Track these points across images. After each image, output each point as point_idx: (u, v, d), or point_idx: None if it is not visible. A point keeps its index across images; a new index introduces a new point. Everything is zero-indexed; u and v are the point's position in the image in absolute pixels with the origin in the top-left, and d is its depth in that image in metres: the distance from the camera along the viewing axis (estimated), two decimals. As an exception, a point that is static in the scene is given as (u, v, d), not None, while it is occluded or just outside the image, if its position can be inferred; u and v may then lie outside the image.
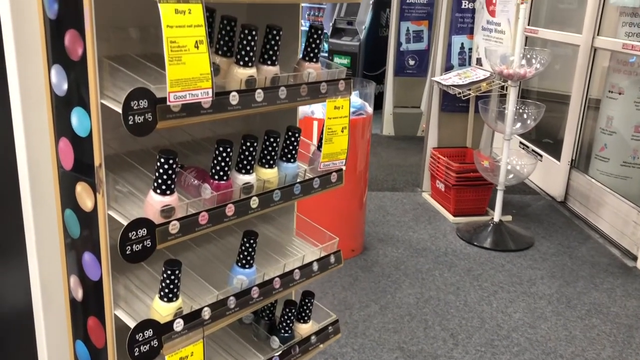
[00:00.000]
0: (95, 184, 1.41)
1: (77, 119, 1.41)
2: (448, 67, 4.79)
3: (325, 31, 7.39)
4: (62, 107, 1.45)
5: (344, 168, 1.77)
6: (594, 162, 4.73)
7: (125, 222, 1.34)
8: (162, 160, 1.35)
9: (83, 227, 1.50)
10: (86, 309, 1.58)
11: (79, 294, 1.60)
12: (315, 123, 3.46)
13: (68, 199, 1.52)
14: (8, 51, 1.48)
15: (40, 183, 1.57)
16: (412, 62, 6.62)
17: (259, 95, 1.47)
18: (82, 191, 1.46)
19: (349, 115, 1.68)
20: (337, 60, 7.14)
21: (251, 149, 1.51)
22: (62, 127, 1.47)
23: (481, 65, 4.60)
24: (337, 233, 3.65)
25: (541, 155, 5.30)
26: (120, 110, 1.26)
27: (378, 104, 6.75)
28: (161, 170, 1.35)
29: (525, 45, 4.23)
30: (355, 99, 3.83)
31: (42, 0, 1.42)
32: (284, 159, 1.64)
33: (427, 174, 5.00)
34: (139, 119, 1.25)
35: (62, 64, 1.41)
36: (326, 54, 7.25)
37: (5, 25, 1.45)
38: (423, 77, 6.68)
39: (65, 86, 1.43)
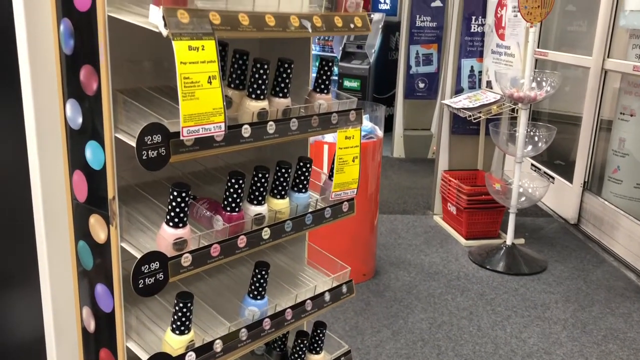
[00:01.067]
0: (108, 216, 1.42)
1: (91, 152, 1.43)
2: (458, 90, 4.81)
3: (335, 55, 7.46)
4: (76, 140, 1.47)
5: (355, 197, 1.78)
6: (607, 184, 4.70)
7: (138, 255, 1.34)
8: (175, 193, 1.35)
9: (96, 258, 1.51)
10: (98, 340, 1.58)
11: (91, 325, 1.60)
12: (326, 147, 3.47)
13: (81, 231, 1.53)
14: (25, 85, 1.50)
15: (54, 214, 1.58)
16: (422, 85, 6.65)
17: (271, 127, 1.48)
18: (95, 223, 1.47)
19: (359, 144, 1.69)
20: (347, 83, 7.18)
21: (263, 180, 1.52)
22: (76, 159, 1.49)
23: (491, 88, 4.60)
24: (348, 257, 3.63)
25: (553, 177, 5.27)
26: (134, 144, 1.27)
27: (388, 127, 6.77)
28: (174, 204, 1.36)
29: (535, 68, 4.24)
30: (365, 122, 3.84)
31: (59, 36, 1.45)
32: (296, 189, 1.65)
33: (439, 197, 4.99)
34: (153, 154, 1.27)
35: (77, 98, 1.44)
36: (336, 77, 7.30)
37: (23, 60, 1.48)
38: (433, 100, 6.69)
39: (80, 120, 1.45)
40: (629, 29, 4.40)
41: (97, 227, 1.46)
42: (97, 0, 1.30)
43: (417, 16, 6.49)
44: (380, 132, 3.85)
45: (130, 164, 1.38)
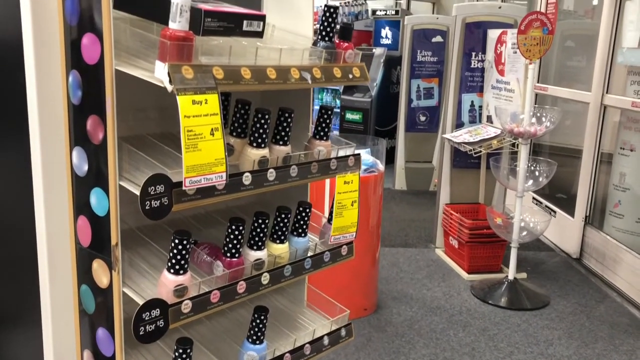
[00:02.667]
0: (111, 262, 1.45)
1: (96, 198, 1.47)
2: (459, 124, 4.86)
3: (337, 88, 7.55)
4: (82, 186, 1.51)
5: (354, 240, 1.80)
6: (608, 218, 4.70)
7: (139, 301, 1.37)
8: (177, 241, 1.39)
9: (98, 302, 1.53)
10: (99, 383, 1.59)
11: (92, 369, 1.61)
12: (328, 181, 3.50)
13: (84, 275, 1.56)
14: (33, 132, 1.55)
15: (58, 258, 1.61)
16: (423, 118, 6.72)
17: (271, 174, 1.52)
18: (98, 268, 1.50)
19: (358, 189, 1.72)
20: (349, 115, 7.26)
21: (262, 225, 1.55)
22: (81, 205, 1.53)
23: (492, 122, 4.65)
24: (350, 291, 3.61)
25: (555, 211, 5.28)
26: (138, 193, 1.31)
27: (390, 158, 6.81)
28: (175, 251, 1.39)
29: (535, 102, 4.29)
30: (366, 156, 3.88)
31: (67, 87, 1.50)
32: (295, 233, 1.68)
33: (440, 230, 5.00)
34: (156, 204, 1.30)
35: (83, 146, 1.48)
36: (338, 110, 7.38)
37: (32, 109, 1.53)
38: (434, 133, 6.75)
39: (85, 167, 1.49)
40: (627, 66, 4.46)
41: (100, 272, 1.49)
42: (105, 55, 1.35)
43: (418, 51, 6.59)
44: (381, 166, 3.89)
45: (133, 207, 1.41)
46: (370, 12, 8.54)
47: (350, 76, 1.59)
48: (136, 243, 1.64)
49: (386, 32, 8.08)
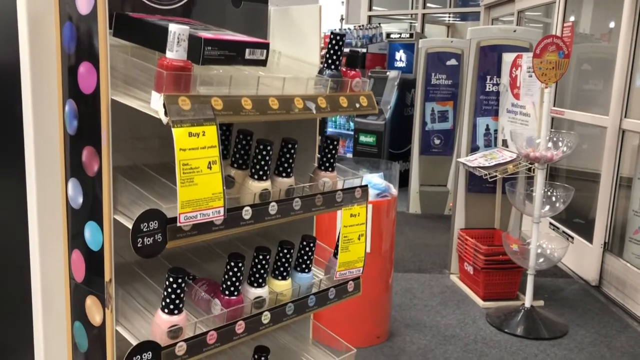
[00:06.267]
0: (104, 299, 1.38)
1: (90, 232, 1.41)
2: (474, 148, 4.77)
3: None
4: (76, 219, 1.46)
5: (361, 276, 1.72)
6: (628, 245, 4.56)
7: (133, 341, 1.30)
8: (171, 279, 1.32)
9: (90, 340, 1.47)
10: None
11: (85, 409, 1.54)
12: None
13: (78, 311, 1.50)
14: (28, 163, 1.50)
15: (52, 293, 1.55)
16: (437, 142, 6.64)
17: (273, 208, 1.45)
18: (92, 305, 1.44)
19: (365, 222, 1.65)
20: (362, 138, 7.20)
21: (263, 262, 1.48)
22: (75, 239, 1.47)
23: (507, 146, 4.56)
24: (361, 318, 3.51)
25: (572, 237, 5.14)
26: (131, 227, 1.25)
27: (404, 182, 6.73)
28: (169, 290, 1.32)
29: (552, 126, 4.20)
30: (379, 180, 3.81)
31: (64, 116, 1.45)
32: (299, 269, 1.60)
33: (455, 256, 4.89)
34: (148, 241, 1.24)
35: (78, 178, 1.43)
36: (352, 132, 7.33)
37: (28, 139, 1.49)
38: (449, 156, 6.66)
39: (80, 199, 1.44)
40: (647, 89, 4.36)
41: (94, 309, 1.43)
42: (101, 84, 1.30)
43: (433, 74, 6.54)
44: (394, 191, 3.81)
45: (130, 241, 1.35)
46: (384, 36, 8.54)
47: (357, 105, 1.53)
48: (133, 278, 1.57)
49: (400, 55, 8.06)
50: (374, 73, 7.53)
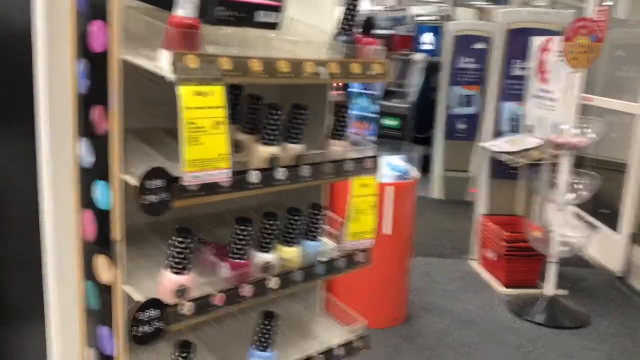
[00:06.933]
0: (114, 258, 1.40)
1: (99, 192, 1.42)
2: (498, 133, 4.69)
3: (376, 92, 7.45)
4: (87, 179, 1.47)
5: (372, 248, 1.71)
6: (656, 236, 4.45)
7: (141, 298, 1.31)
8: (179, 239, 1.32)
9: (102, 299, 1.48)
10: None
11: (93, 367, 1.57)
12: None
13: (89, 271, 1.52)
14: (41, 121, 1.51)
15: (63, 253, 1.57)
16: (462, 126, 6.54)
17: (282, 173, 1.44)
18: (102, 264, 1.45)
19: (376, 193, 1.63)
20: (387, 121, 7.14)
21: (273, 227, 1.47)
22: (87, 199, 1.48)
23: (532, 132, 4.47)
24: (379, 300, 3.49)
25: (597, 227, 5.03)
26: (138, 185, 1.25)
27: (428, 166, 6.67)
28: (175, 250, 1.32)
29: (580, 113, 4.09)
30: (399, 162, 3.78)
31: (76, 76, 1.46)
32: (307, 236, 1.59)
33: (476, 241, 4.83)
34: (155, 199, 1.24)
35: (89, 137, 1.44)
36: (377, 115, 7.26)
37: (40, 98, 1.50)
38: (473, 141, 6.57)
39: (91, 159, 1.45)
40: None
41: (103, 269, 1.44)
42: (113, 42, 1.30)
43: (460, 57, 6.43)
44: (415, 173, 3.78)
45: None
46: (412, 17, 8.41)
47: (371, 72, 1.50)
48: (144, 239, 1.58)
49: (428, 37, 7.94)
50: (399, 55, 7.43)
